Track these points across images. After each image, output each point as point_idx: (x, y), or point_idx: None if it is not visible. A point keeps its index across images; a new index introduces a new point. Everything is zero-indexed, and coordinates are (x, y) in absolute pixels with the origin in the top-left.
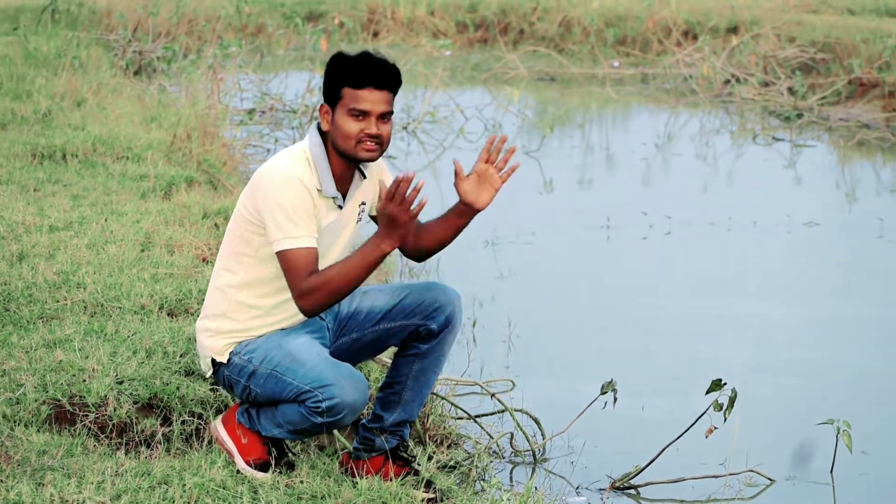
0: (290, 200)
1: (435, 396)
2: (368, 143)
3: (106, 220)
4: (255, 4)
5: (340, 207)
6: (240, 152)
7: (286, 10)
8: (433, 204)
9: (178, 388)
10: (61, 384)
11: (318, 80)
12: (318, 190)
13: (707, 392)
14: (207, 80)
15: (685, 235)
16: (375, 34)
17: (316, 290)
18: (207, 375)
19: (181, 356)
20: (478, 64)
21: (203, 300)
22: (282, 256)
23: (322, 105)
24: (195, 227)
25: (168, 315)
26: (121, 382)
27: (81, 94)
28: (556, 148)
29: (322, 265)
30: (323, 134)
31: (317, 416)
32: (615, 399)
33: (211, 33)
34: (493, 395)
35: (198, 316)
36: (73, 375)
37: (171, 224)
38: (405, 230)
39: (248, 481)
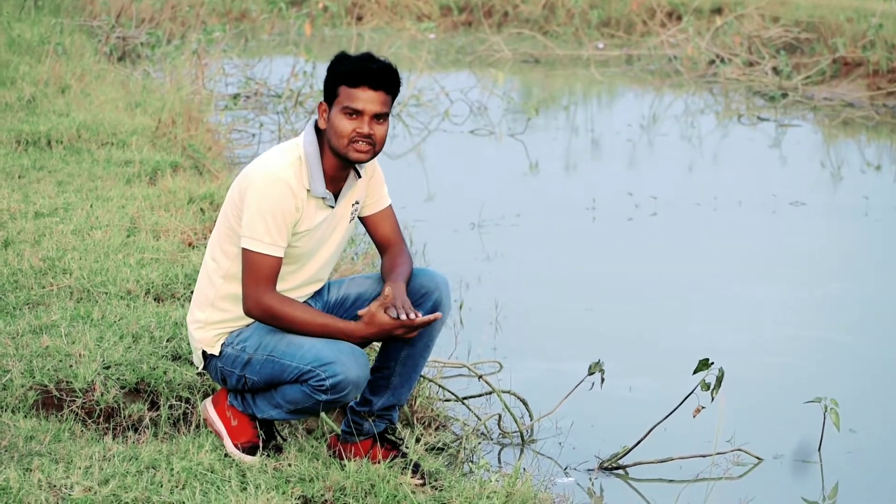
0: (269, 204)
1: (422, 379)
2: (360, 143)
3: (91, 205)
4: None
5: (332, 207)
6: (225, 137)
7: None
8: (417, 188)
9: (165, 373)
10: (48, 370)
11: (302, 64)
12: (307, 190)
13: (694, 372)
14: (192, 66)
15: (671, 216)
16: (359, 18)
17: (271, 313)
18: (200, 369)
19: (168, 341)
20: (462, 47)
21: (189, 285)
22: (244, 254)
23: (321, 103)
24: (181, 212)
25: (154, 300)
26: (108, 367)
27: (65, 80)
28: (541, 130)
29: (312, 263)
30: (319, 132)
31: (321, 393)
32: (602, 379)
33: (195, 18)
34: (480, 377)
35: (184, 300)
36: (60, 361)
37: (156, 209)
38: (381, 339)
39: (237, 465)
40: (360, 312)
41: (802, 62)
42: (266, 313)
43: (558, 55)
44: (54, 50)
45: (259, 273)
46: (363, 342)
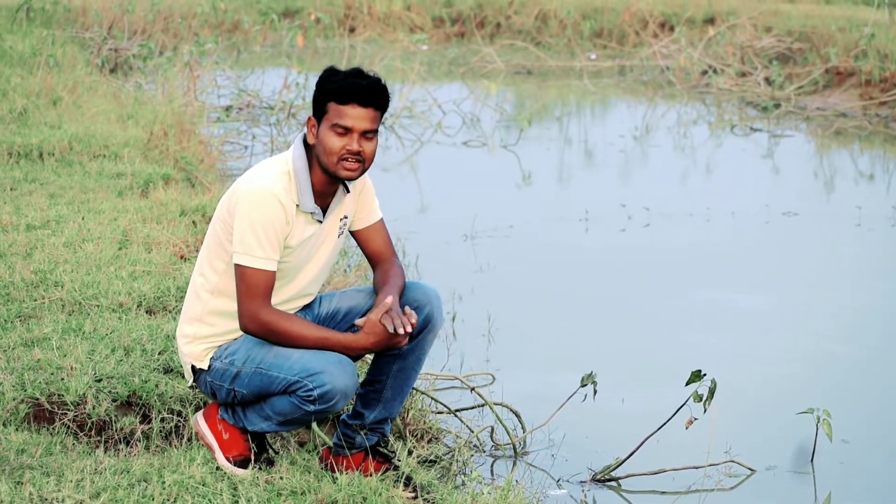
0: (260, 218)
1: (415, 391)
2: (349, 161)
3: (83, 218)
4: (231, 1)
5: (320, 222)
6: (217, 149)
7: (262, 7)
8: (410, 200)
9: (156, 386)
10: (40, 383)
11: (294, 76)
12: (296, 205)
13: (687, 383)
14: (184, 78)
15: (664, 227)
16: (352, 30)
17: (270, 328)
18: (190, 383)
19: (160, 354)
20: (455, 58)
21: (181, 297)
22: (238, 269)
23: (310, 118)
24: (173, 224)
25: (146, 313)
26: (99, 380)
27: (57, 92)
28: (534, 141)
29: (299, 278)
30: (308, 147)
31: (309, 404)
32: (595, 391)
33: (187, 30)
34: (472, 389)
35: (176, 313)
36: (52, 374)
37: (148, 222)
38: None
39: (228, 478)
40: (357, 322)
41: (795, 72)
42: (264, 329)
43: (551, 66)
44: (46, 62)
45: (255, 288)
46: (361, 354)
